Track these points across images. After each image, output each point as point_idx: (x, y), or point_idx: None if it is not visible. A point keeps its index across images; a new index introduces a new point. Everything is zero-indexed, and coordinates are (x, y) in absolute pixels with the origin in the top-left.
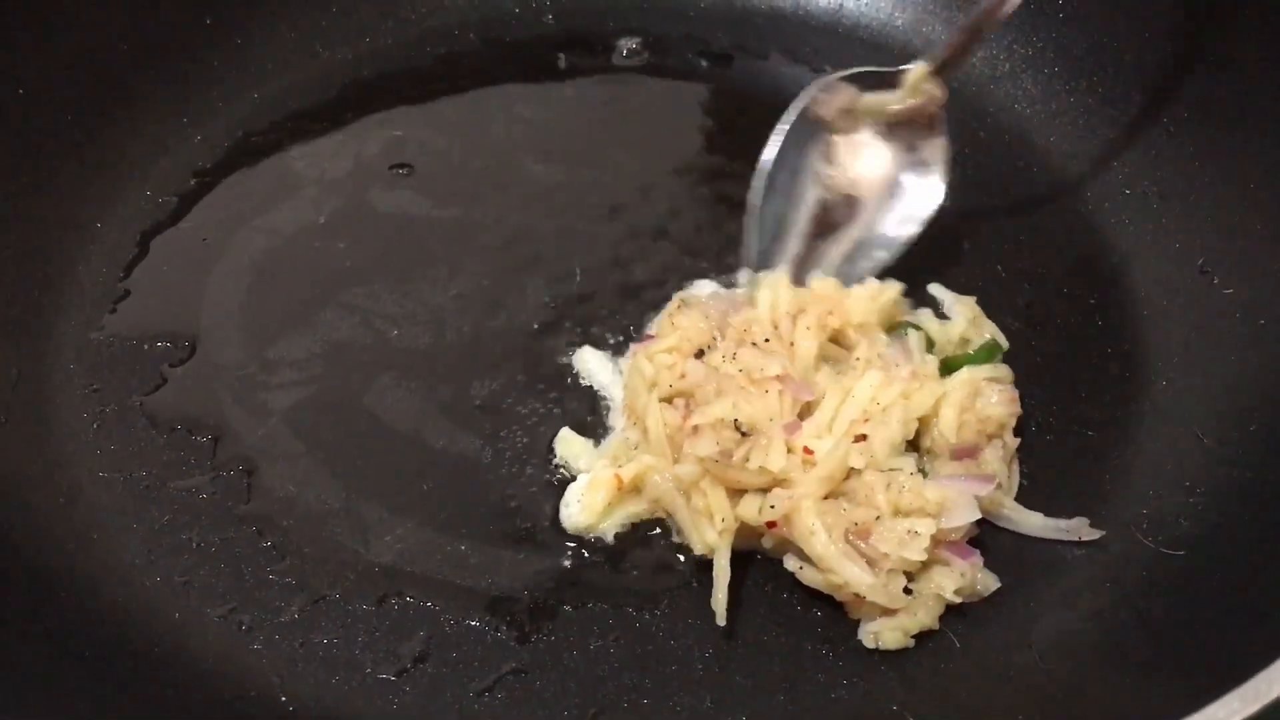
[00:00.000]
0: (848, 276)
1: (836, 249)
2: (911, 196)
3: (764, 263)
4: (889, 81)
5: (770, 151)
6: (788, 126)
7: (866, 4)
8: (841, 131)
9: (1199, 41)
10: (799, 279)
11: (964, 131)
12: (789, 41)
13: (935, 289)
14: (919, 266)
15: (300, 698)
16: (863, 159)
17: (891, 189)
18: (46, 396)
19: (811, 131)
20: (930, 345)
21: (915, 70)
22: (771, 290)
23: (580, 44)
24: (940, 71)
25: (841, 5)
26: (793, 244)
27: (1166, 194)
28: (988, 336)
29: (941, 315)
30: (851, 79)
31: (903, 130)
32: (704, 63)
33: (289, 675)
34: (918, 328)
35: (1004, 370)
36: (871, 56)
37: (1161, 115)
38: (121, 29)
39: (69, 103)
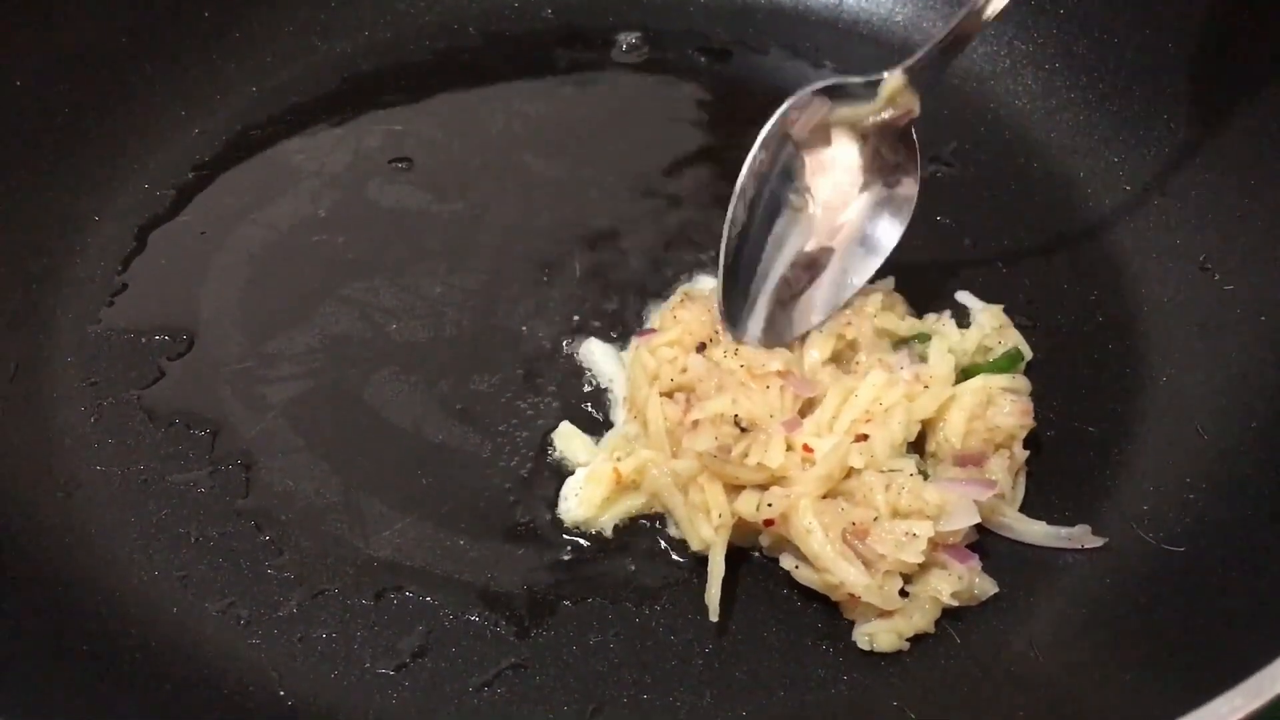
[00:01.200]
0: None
1: (819, 292)
2: (887, 216)
3: (739, 316)
4: (862, 93)
5: (741, 180)
6: (757, 151)
7: None
8: (813, 149)
9: (1200, 38)
10: (778, 334)
11: (964, 127)
12: (789, 37)
13: (963, 296)
14: (921, 264)
15: (299, 692)
16: (836, 178)
17: (869, 208)
18: (44, 390)
19: (784, 154)
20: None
21: (891, 81)
22: None
23: (580, 39)
24: (915, 81)
25: (841, 0)
26: (769, 288)
27: (1167, 190)
28: (1011, 346)
29: (965, 324)
30: (824, 92)
31: (876, 143)
32: (703, 58)
33: (288, 670)
34: (926, 338)
35: (1022, 382)
36: (871, 52)
37: (1162, 112)
38: (120, 22)
39: (67, 96)
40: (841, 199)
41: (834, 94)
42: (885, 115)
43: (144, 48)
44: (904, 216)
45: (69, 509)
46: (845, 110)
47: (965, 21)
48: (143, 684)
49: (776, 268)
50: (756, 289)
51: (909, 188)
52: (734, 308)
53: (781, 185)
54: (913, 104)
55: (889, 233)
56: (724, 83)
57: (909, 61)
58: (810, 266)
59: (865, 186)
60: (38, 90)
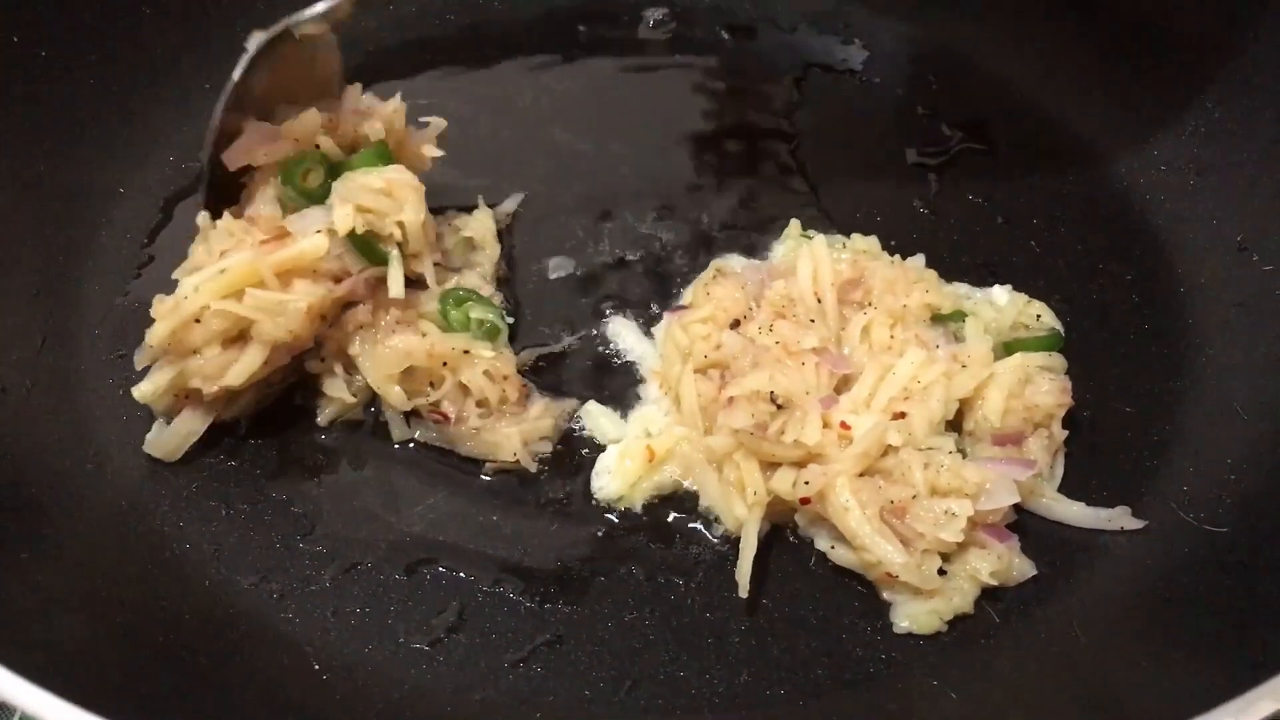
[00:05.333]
0: None
1: None
2: None
3: None
4: None
5: None
6: None
7: None
8: None
9: (1235, 16)
10: None
11: (997, 106)
12: (816, 13)
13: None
14: (953, 243)
15: (333, 666)
16: None
17: None
18: (73, 362)
19: None
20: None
21: None
22: (812, 261)
23: (606, 15)
24: None
25: None
26: None
27: (1204, 170)
28: (1051, 325)
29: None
30: None
31: None
32: (730, 35)
33: (322, 644)
34: (962, 316)
35: (1058, 360)
36: (902, 30)
37: (1198, 91)
38: None
39: (92, 69)
40: None
41: None
42: None
43: (168, 19)
44: None
45: (99, 481)
46: None
47: None
48: (176, 657)
49: None
50: None
51: None
52: None
53: None
54: None
55: None
56: (751, 59)
57: None
58: None
59: None
60: (63, 64)
